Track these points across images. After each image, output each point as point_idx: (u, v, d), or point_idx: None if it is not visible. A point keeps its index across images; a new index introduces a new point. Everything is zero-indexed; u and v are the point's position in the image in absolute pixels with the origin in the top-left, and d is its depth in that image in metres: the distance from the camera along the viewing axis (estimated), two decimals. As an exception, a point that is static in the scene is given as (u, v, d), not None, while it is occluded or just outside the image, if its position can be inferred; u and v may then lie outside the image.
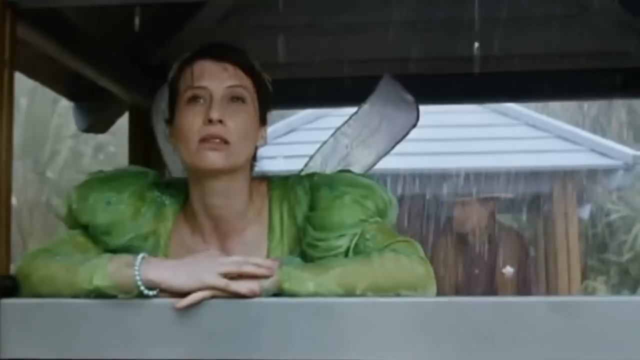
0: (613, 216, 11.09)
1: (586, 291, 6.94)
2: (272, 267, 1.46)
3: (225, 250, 1.61)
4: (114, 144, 5.99)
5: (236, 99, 1.59)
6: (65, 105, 6.06)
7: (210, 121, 1.55)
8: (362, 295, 1.44)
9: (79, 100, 2.79)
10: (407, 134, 2.02)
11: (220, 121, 1.55)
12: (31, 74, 2.51)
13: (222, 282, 1.42)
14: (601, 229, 10.92)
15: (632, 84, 2.86)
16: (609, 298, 1.42)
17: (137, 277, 1.43)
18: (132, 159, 2.71)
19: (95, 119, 2.81)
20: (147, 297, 1.44)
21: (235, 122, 1.57)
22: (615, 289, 11.01)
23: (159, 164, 2.39)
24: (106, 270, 1.45)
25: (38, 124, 5.99)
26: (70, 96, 2.80)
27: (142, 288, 1.44)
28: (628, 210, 11.10)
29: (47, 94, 5.60)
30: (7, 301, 1.50)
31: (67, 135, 6.18)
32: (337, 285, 1.45)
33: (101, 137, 5.86)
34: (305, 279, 1.45)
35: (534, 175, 5.79)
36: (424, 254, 1.55)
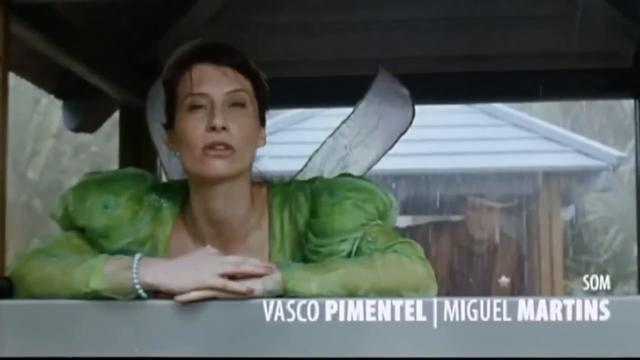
0: (591, 217, 11.18)
1: (564, 291, 7.01)
2: (270, 266, 1.44)
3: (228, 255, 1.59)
4: (96, 143, 5.97)
5: (237, 103, 1.58)
6: (46, 104, 6.02)
7: (213, 128, 1.53)
8: (365, 296, 1.44)
9: (68, 99, 2.76)
10: (404, 131, 2.02)
11: (224, 128, 1.53)
12: (18, 71, 2.48)
13: (221, 282, 1.41)
14: (579, 229, 11.01)
15: (621, 84, 2.87)
16: (601, 298, 1.43)
17: (135, 280, 1.41)
18: (123, 158, 2.69)
19: (85, 118, 2.78)
20: (144, 299, 1.42)
21: (238, 127, 1.55)
22: (593, 290, 11.07)
23: (149, 164, 2.37)
24: (103, 272, 1.43)
25: (18, 123, 5.96)
26: (59, 94, 2.77)
27: (140, 291, 1.41)
28: (606, 212, 11.20)
29: (28, 93, 5.56)
30: (1, 303, 1.48)
31: (49, 134, 6.14)
32: (340, 286, 1.45)
33: (83, 137, 5.83)
34: (309, 279, 1.44)
35: (519, 175, 5.82)
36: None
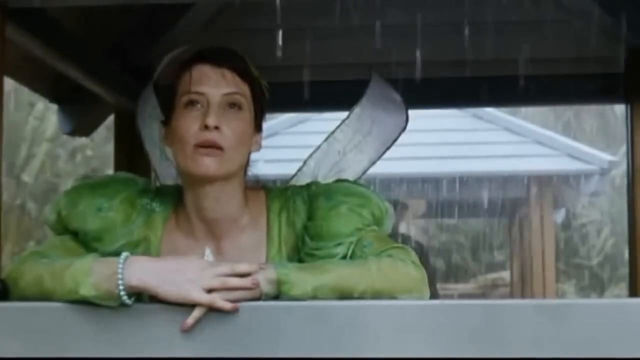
0: (583, 221, 11.23)
1: (556, 294, 7.04)
2: (256, 280, 1.43)
3: (219, 252, 1.61)
4: (91, 147, 5.98)
5: (233, 105, 1.59)
6: (41, 108, 6.03)
7: (206, 127, 1.55)
8: (360, 298, 1.45)
9: (63, 103, 2.77)
10: (397, 137, 2.02)
11: (216, 127, 1.55)
12: (14, 75, 2.49)
13: (206, 299, 1.40)
14: (571, 233, 11.06)
15: (614, 88, 2.89)
16: (593, 301, 1.45)
17: (121, 287, 1.41)
18: (118, 162, 2.70)
19: (80, 122, 2.79)
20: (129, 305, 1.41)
21: (231, 129, 1.57)
22: (584, 292, 11.15)
23: (144, 167, 2.37)
24: (91, 279, 1.42)
25: (13, 127, 5.96)
26: (54, 99, 2.78)
27: (124, 299, 1.41)
28: (598, 215, 11.24)
29: (23, 97, 5.57)
30: (-3, 304, 1.48)
31: (44, 138, 6.14)
32: (336, 287, 1.45)
33: (78, 141, 5.84)
34: (304, 281, 1.44)
35: (511, 179, 5.85)
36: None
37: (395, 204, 5.06)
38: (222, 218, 1.61)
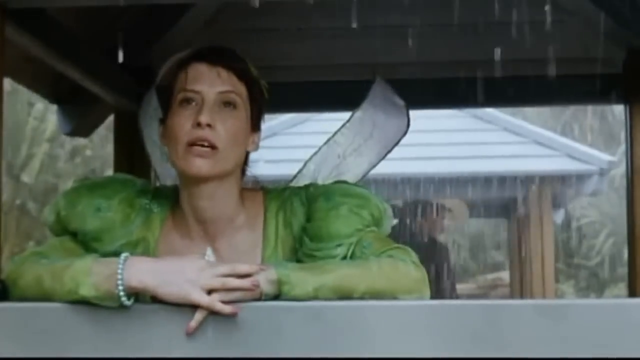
0: (582, 221, 11.25)
1: (555, 294, 7.06)
2: (256, 282, 1.43)
3: (215, 252, 1.61)
4: (90, 147, 5.98)
5: (228, 104, 1.59)
6: (41, 108, 6.03)
7: (199, 125, 1.55)
8: (360, 298, 1.45)
9: (63, 103, 2.77)
10: (398, 142, 2.03)
11: (209, 125, 1.55)
12: (14, 75, 2.49)
13: (206, 301, 1.41)
14: (571, 233, 11.08)
15: (612, 89, 2.90)
16: (592, 301, 1.44)
17: (120, 287, 1.41)
18: (117, 162, 2.71)
19: (79, 123, 2.80)
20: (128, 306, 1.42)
21: (225, 128, 1.57)
22: (584, 293, 11.18)
23: (144, 167, 2.38)
24: (91, 279, 1.42)
25: (13, 127, 5.96)
26: (54, 99, 2.79)
27: (123, 299, 1.41)
28: (597, 216, 11.26)
29: (23, 96, 5.58)
30: (-4, 305, 1.49)
31: (43, 138, 6.15)
32: (336, 288, 1.45)
33: (77, 141, 5.84)
34: (305, 281, 1.44)
35: (510, 179, 5.85)
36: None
37: (427, 205, 5.08)
38: (217, 217, 1.62)
